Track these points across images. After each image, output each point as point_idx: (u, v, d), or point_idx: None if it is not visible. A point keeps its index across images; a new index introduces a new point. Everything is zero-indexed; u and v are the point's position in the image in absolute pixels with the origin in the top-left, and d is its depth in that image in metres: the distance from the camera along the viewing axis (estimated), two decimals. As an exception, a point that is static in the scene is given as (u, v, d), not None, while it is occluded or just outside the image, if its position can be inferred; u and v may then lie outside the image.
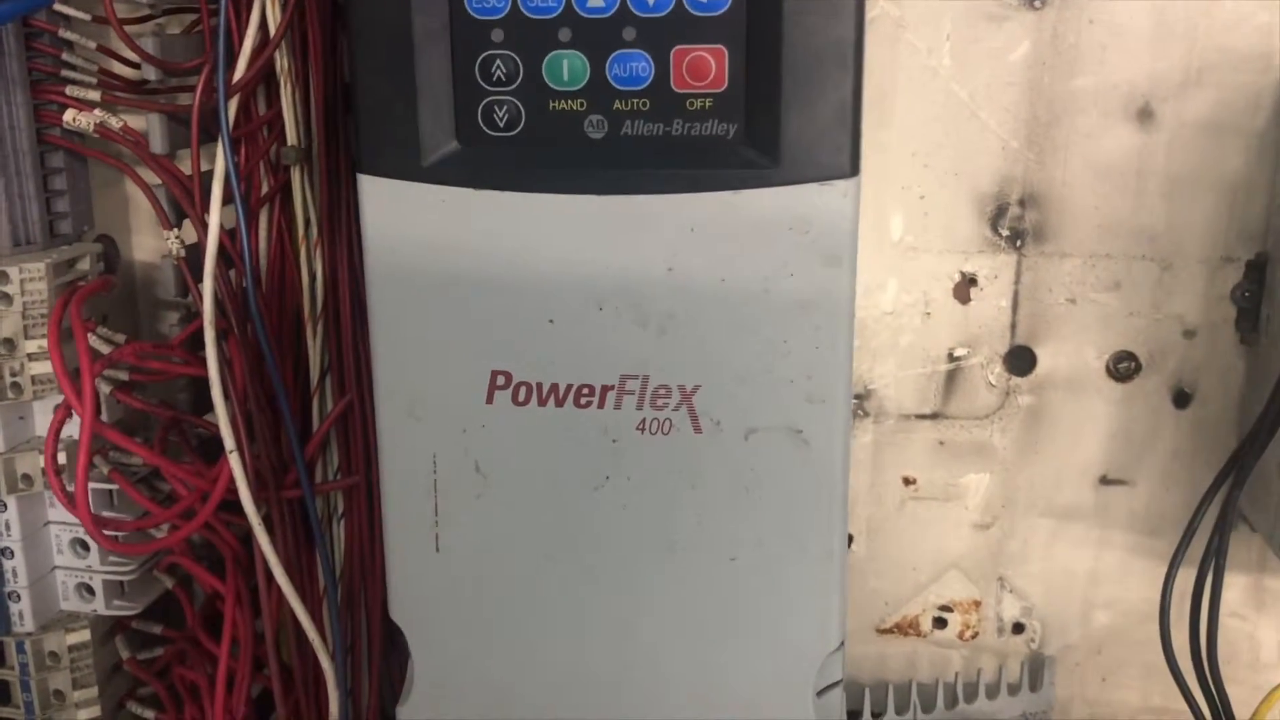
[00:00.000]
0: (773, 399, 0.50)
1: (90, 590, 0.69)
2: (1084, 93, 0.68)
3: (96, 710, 0.70)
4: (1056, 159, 0.69)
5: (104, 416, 0.67)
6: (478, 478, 0.53)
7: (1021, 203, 0.70)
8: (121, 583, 0.69)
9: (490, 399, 0.51)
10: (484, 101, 0.50)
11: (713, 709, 0.54)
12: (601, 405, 0.51)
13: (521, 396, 0.51)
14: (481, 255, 0.50)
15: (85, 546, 0.68)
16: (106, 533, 0.60)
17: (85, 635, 0.69)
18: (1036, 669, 0.77)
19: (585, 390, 0.51)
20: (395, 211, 0.50)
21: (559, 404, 0.51)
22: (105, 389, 0.66)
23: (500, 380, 0.51)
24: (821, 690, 0.54)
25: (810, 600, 0.52)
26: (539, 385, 0.51)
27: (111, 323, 0.69)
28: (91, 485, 0.66)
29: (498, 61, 0.49)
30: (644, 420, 0.51)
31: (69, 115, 0.64)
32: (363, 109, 0.50)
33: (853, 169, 0.48)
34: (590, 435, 0.51)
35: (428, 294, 0.51)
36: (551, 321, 0.50)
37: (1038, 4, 0.66)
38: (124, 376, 0.66)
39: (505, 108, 0.49)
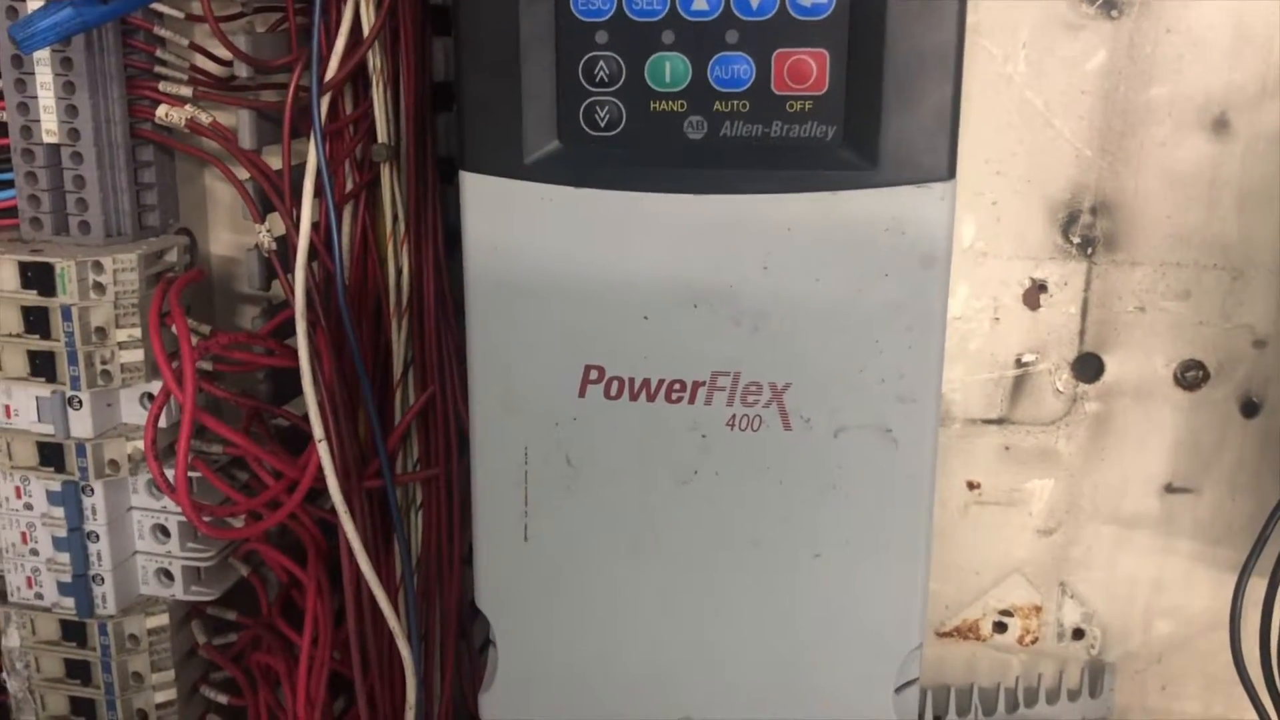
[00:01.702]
0: (863, 398, 0.50)
1: (169, 575, 0.70)
2: (1159, 102, 0.68)
3: (172, 693, 0.71)
4: (1130, 168, 0.69)
5: (188, 405, 0.68)
6: (568, 470, 0.53)
7: (1093, 210, 0.70)
8: (199, 569, 0.70)
9: (583, 393, 0.52)
10: (586, 101, 0.50)
11: (794, 704, 0.55)
12: (692, 401, 0.51)
13: (614, 391, 0.52)
14: (579, 252, 0.51)
15: (165, 532, 0.69)
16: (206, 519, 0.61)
17: (164, 619, 0.70)
18: (1096, 675, 0.77)
19: (677, 386, 0.51)
20: (496, 208, 0.51)
21: (650, 399, 0.52)
22: (191, 379, 0.67)
23: (593, 375, 0.52)
24: (900, 687, 0.55)
25: (893, 598, 0.53)
26: (631, 380, 0.52)
27: (192, 315, 0.70)
28: (171, 472, 0.67)
29: (601, 63, 0.50)
30: (734, 416, 0.52)
31: (161, 110, 0.65)
32: (468, 107, 0.51)
33: (950, 172, 0.49)
34: (680, 430, 0.52)
35: (525, 289, 0.51)
36: (646, 318, 0.51)
37: (1115, 13, 0.67)
38: (208, 367, 0.67)
39: (607, 108, 0.50)
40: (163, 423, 0.65)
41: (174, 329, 0.61)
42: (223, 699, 0.73)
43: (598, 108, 0.50)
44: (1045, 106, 0.69)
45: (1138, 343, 0.72)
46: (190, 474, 0.67)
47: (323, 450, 0.61)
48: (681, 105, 0.50)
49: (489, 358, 0.53)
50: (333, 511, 0.64)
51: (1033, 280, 0.72)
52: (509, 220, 0.51)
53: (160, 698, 0.71)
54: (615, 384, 0.52)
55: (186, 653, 0.73)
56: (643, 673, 0.55)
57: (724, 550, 0.53)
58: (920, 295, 0.49)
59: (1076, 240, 0.71)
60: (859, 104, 0.48)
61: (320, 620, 0.66)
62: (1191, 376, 0.72)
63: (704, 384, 0.51)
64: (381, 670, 0.67)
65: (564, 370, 0.52)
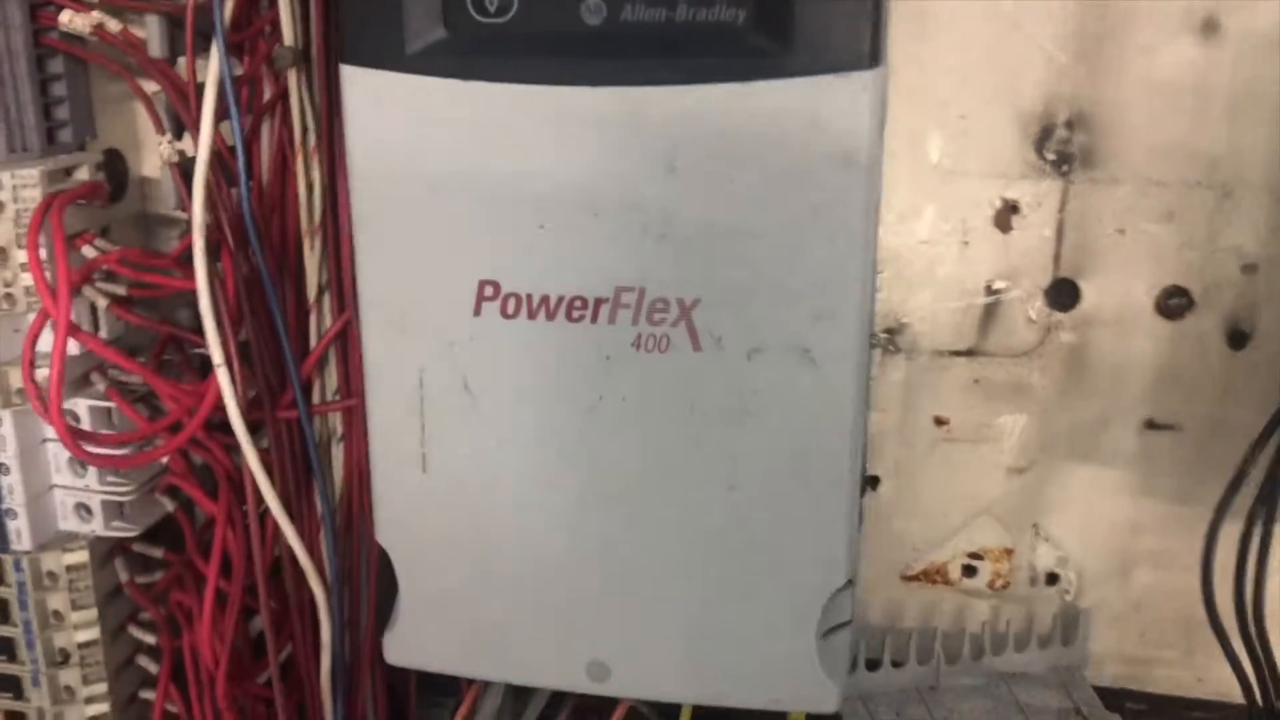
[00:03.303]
0: (778, 315, 0.45)
1: (89, 510, 0.66)
2: (1142, 1, 0.61)
3: (95, 632, 0.67)
4: (1108, 76, 0.63)
5: (103, 331, 0.64)
6: (466, 395, 0.48)
7: (1069, 124, 0.64)
8: (121, 504, 0.66)
9: (478, 311, 0.47)
10: (474, -16, 0.45)
11: (709, 644, 0.50)
12: (595, 319, 0.46)
13: (510, 309, 0.47)
14: (468, 152, 0.45)
15: (84, 465, 0.65)
16: (87, 448, 0.56)
17: (83, 556, 0.66)
18: (1070, 622, 0.71)
19: (578, 303, 0.46)
20: (377, 104, 0.46)
21: (550, 317, 0.46)
22: (102, 303, 0.62)
23: (488, 291, 0.47)
24: (827, 632, 0.49)
25: (815, 534, 0.48)
26: (529, 297, 0.46)
27: (118, 238, 0.66)
28: (89, 403, 0.63)
29: (488, -61, 0.44)
30: (640, 336, 0.46)
31: (64, 16, 0.60)
32: (345, -8, 0.45)
33: (872, 60, 0.43)
34: (583, 352, 0.47)
35: (411, 195, 0.46)
36: (542, 227, 0.46)
37: (1092, -97, 0.60)
38: (122, 291, 0.63)
39: (496, -10, 0.45)
40: (74, 349, 0.61)
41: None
42: (151, 639, 0.69)
43: (486, -9, 0.44)
44: (1015, 8, 0.62)
45: (1117, 268, 0.66)
46: (106, 404, 0.63)
47: (222, 375, 0.56)
48: (578, -13, 0.44)
49: (377, 272, 0.48)
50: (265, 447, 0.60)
51: (1004, 200, 0.66)
52: (392, 118, 0.46)
53: (82, 636, 0.67)
54: (511, 301, 0.47)
55: (111, 590, 0.68)
56: (550, 612, 0.50)
57: (633, 482, 0.48)
58: (841, 200, 0.44)
59: (1051, 157, 0.65)
60: (770, -18, 0.42)
61: (234, 555, 0.62)
62: (1175, 304, 0.65)
63: (607, 301, 0.46)
64: (301, 613, 0.63)
65: (457, 286, 0.47)
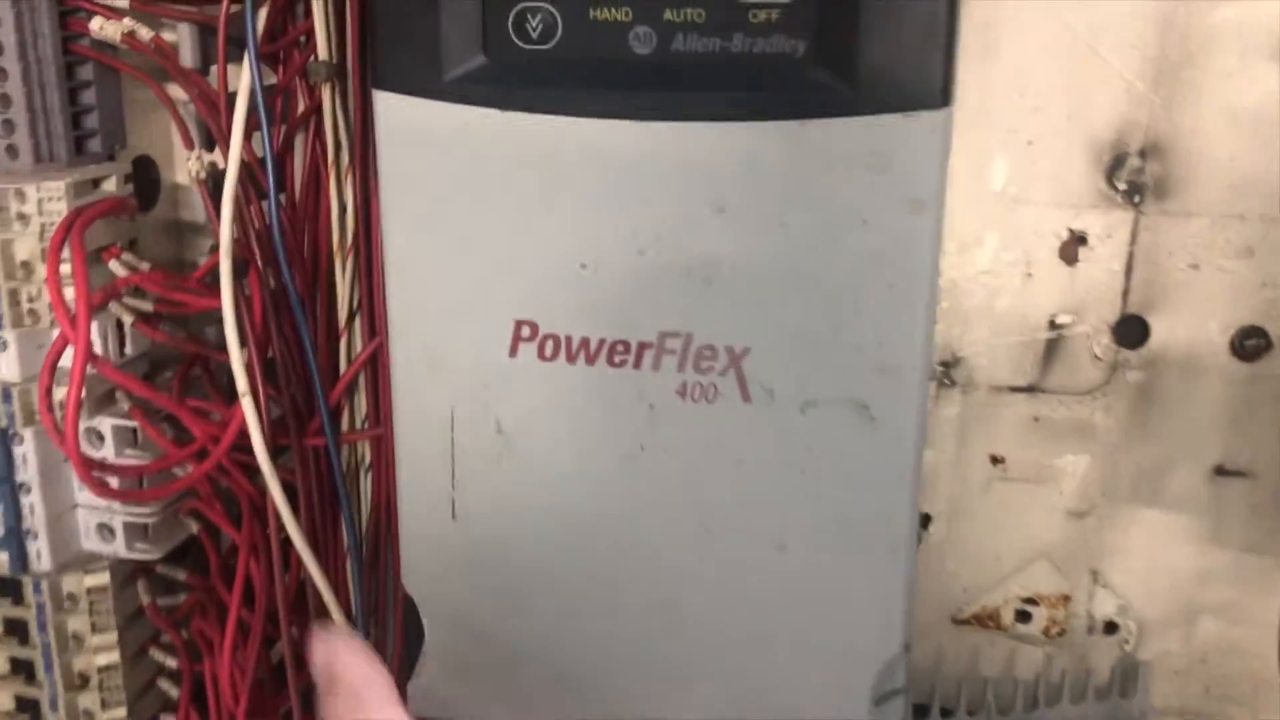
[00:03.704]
0: (836, 367, 0.42)
1: (111, 531, 0.64)
2: (1225, 27, 0.57)
3: (115, 656, 0.65)
4: (1187, 104, 0.59)
5: (128, 349, 0.62)
6: (499, 439, 0.46)
7: (1143, 153, 0.60)
8: (145, 526, 0.64)
9: (514, 352, 0.44)
10: (515, 9, 0.42)
11: (753, 712, 0.47)
12: (638, 365, 0.43)
13: (548, 351, 0.44)
14: (506, 186, 0.42)
15: (105, 485, 0.63)
16: (97, 475, 0.54)
17: (104, 578, 0.64)
18: (1129, 674, 0.68)
19: (620, 347, 0.43)
20: (412, 133, 0.43)
21: (590, 361, 0.44)
22: (128, 320, 0.60)
23: (525, 331, 0.44)
24: (880, 699, 0.46)
25: (870, 598, 0.45)
26: (568, 339, 0.44)
27: (149, 247, 0.64)
28: (112, 421, 0.61)
29: (532, -39, 0.41)
30: (685, 384, 0.43)
31: (95, 23, 0.58)
32: (379, 15, 0.43)
33: (944, 98, 0.39)
34: (624, 399, 0.44)
35: (446, 228, 0.43)
36: (584, 266, 0.43)
37: (1175, -79, 0.56)
38: (148, 307, 0.61)
39: (539, 16, 0.42)
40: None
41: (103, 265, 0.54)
42: (172, 662, 0.67)
43: (529, 15, 0.42)
44: (1089, 31, 0.59)
45: (1190, 305, 0.62)
46: (126, 423, 0.61)
47: (247, 405, 0.54)
48: (627, 14, 0.41)
49: (409, 305, 0.45)
50: (290, 470, 0.58)
51: (1071, 231, 0.62)
52: (427, 148, 0.43)
53: (102, 660, 0.65)
54: (550, 343, 0.44)
55: (133, 613, 0.67)
56: (583, 670, 0.48)
57: (674, 537, 0.45)
58: (905, 246, 0.40)
59: (1123, 186, 0.61)
60: (834, 13, 0.39)
61: (257, 584, 0.59)
62: (1251, 345, 0.62)
63: (651, 346, 0.43)
64: (324, 645, 0.60)
65: (493, 325, 0.44)
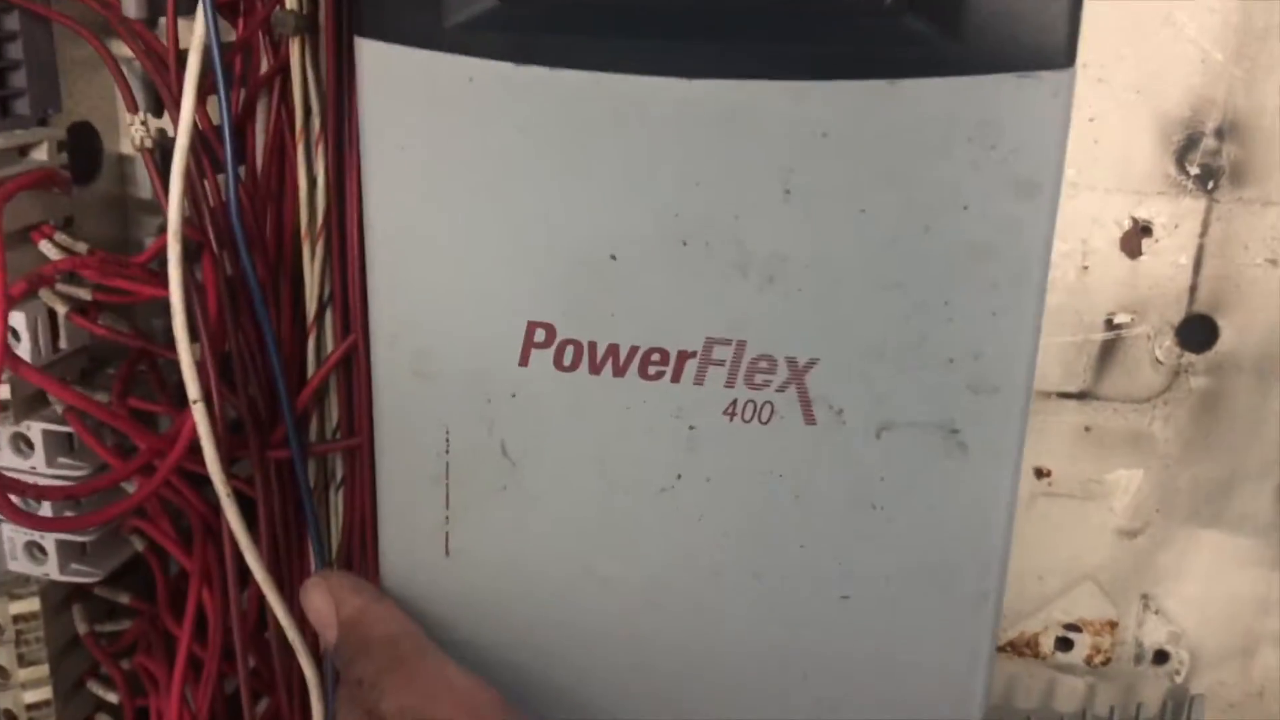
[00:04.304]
0: (921, 385, 0.34)
1: (42, 550, 0.55)
2: (1322, -8, 0.50)
3: (47, 691, 0.57)
4: (1270, 79, 0.52)
5: (62, 344, 0.53)
6: (504, 463, 0.37)
7: (1219, 133, 0.53)
8: (82, 544, 0.55)
9: (525, 360, 0.36)
10: (534, -62, 0.33)
11: None
12: (677, 379, 0.35)
13: (567, 359, 0.36)
14: (521, 158, 0.34)
15: (38, 499, 0.54)
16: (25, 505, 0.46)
17: (34, 604, 0.56)
18: (1179, 707, 0.61)
19: (655, 356, 0.35)
20: (405, 91, 0.35)
21: (618, 373, 0.36)
22: (61, 310, 0.52)
23: (539, 336, 0.36)
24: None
25: (946, 659, 0.37)
26: (592, 346, 0.36)
27: (88, 227, 0.55)
28: (44, 427, 0.52)
29: (556, -124, 0.33)
30: (735, 403, 0.35)
31: (21, -35, 0.49)
32: (364, -56, 0.34)
33: (1068, 57, 0.32)
34: (659, 418, 0.36)
35: (445, 208, 0.35)
36: (614, 258, 0.35)
37: None
38: (86, 295, 0.52)
39: (564, -53, 0.33)
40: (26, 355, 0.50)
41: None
42: (113, 697, 0.58)
43: (551, -53, 0.33)
44: (1167, -6, 0.51)
45: (1263, 304, 0.56)
46: (59, 428, 0.52)
47: (198, 413, 0.45)
48: (673, -54, 0.33)
49: (396, 302, 0.37)
50: (249, 481, 0.50)
51: (1135, 220, 0.55)
52: (423, 110, 0.35)
53: (31, 697, 0.57)
54: (570, 350, 0.36)
55: (68, 642, 0.58)
56: (601, 731, 0.40)
57: (716, 584, 0.37)
58: (1015, 237, 0.33)
59: (1195, 171, 0.54)
60: (936, -53, 0.31)
61: (210, 615, 0.51)
62: (1330, 349, 0.55)
63: (694, 355, 0.35)
64: (289, 688, 0.52)
65: (500, 327, 0.36)
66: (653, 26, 0.33)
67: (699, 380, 0.35)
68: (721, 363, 0.35)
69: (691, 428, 0.36)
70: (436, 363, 0.37)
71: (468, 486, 0.38)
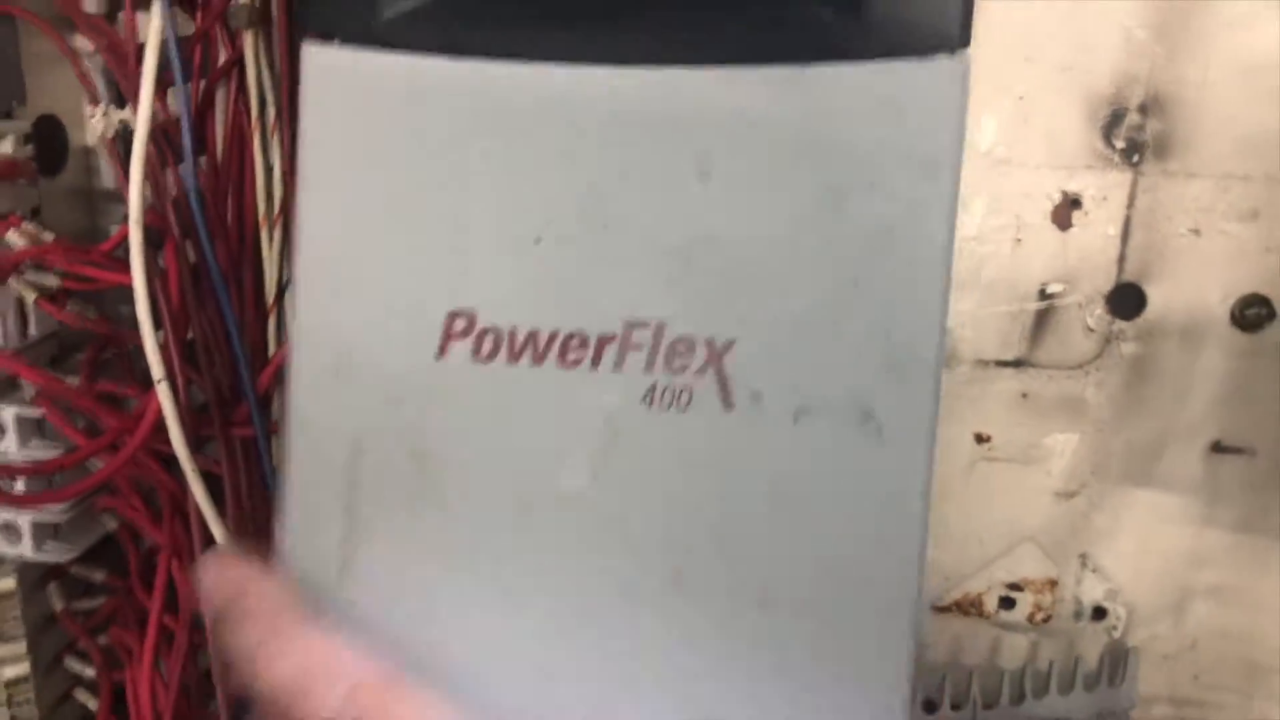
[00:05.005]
0: (836, 364, 0.35)
1: (16, 531, 0.56)
2: (1236, -28, 0.51)
3: (25, 667, 0.58)
4: (1191, 55, 0.54)
5: (31, 330, 0.54)
6: (412, 468, 0.36)
7: (1143, 108, 0.55)
8: (55, 525, 0.57)
9: (443, 351, 0.36)
10: (463, -66, 0.34)
11: None
12: (596, 364, 0.35)
13: (486, 348, 0.35)
14: (450, 149, 0.35)
15: (10, 480, 0.55)
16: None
17: (10, 583, 0.57)
18: (1117, 661, 0.63)
19: (575, 342, 0.35)
20: (341, 90, 0.36)
21: (536, 360, 0.35)
22: (30, 297, 0.53)
23: (459, 325, 0.35)
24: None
25: (869, 664, 0.36)
26: (511, 333, 0.35)
27: (54, 217, 0.56)
28: (15, 410, 0.54)
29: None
30: (655, 387, 0.35)
31: (-19, -39, 0.50)
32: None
33: (963, 39, 0.33)
34: (577, 408, 0.35)
35: (374, 202, 0.36)
36: (538, 241, 0.36)
37: None
38: (53, 283, 0.53)
39: (492, -56, 0.34)
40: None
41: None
42: (90, 672, 0.60)
43: (480, -57, 0.34)
44: (1090, -26, 0.53)
45: (1189, 272, 0.57)
46: (30, 411, 0.54)
47: (162, 392, 0.46)
48: (595, -58, 0.34)
49: (318, 301, 0.36)
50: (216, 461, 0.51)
51: (1064, 194, 0.57)
52: (357, 107, 0.36)
53: (10, 672, 0.58)
54: (489, 339, 0.35)
55: (45, 618, 0.59)
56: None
57: (633, 589, 0.36)
58: (921, 216, 0.34)
59: (1121, 145, 0.55)
60: (839, -61, 0.32)
61: (181, 588, 0.53)
62: (1253, 315, 0.56)
63: (613, 339, 0.35)
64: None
65: (419, 319, 0.35)
66: (579, 16, 0.34)
67: (619, 365, 0.35)
68: (640, 346, 0.35)
69: (611, 417, 0.35)
70: (352, 362, 0.36)
71: (374, 497, 0.36)
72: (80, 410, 0.53)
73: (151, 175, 0.49)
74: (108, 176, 0.59)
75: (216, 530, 0.49)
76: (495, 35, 0.35)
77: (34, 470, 0.51)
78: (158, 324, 0.49)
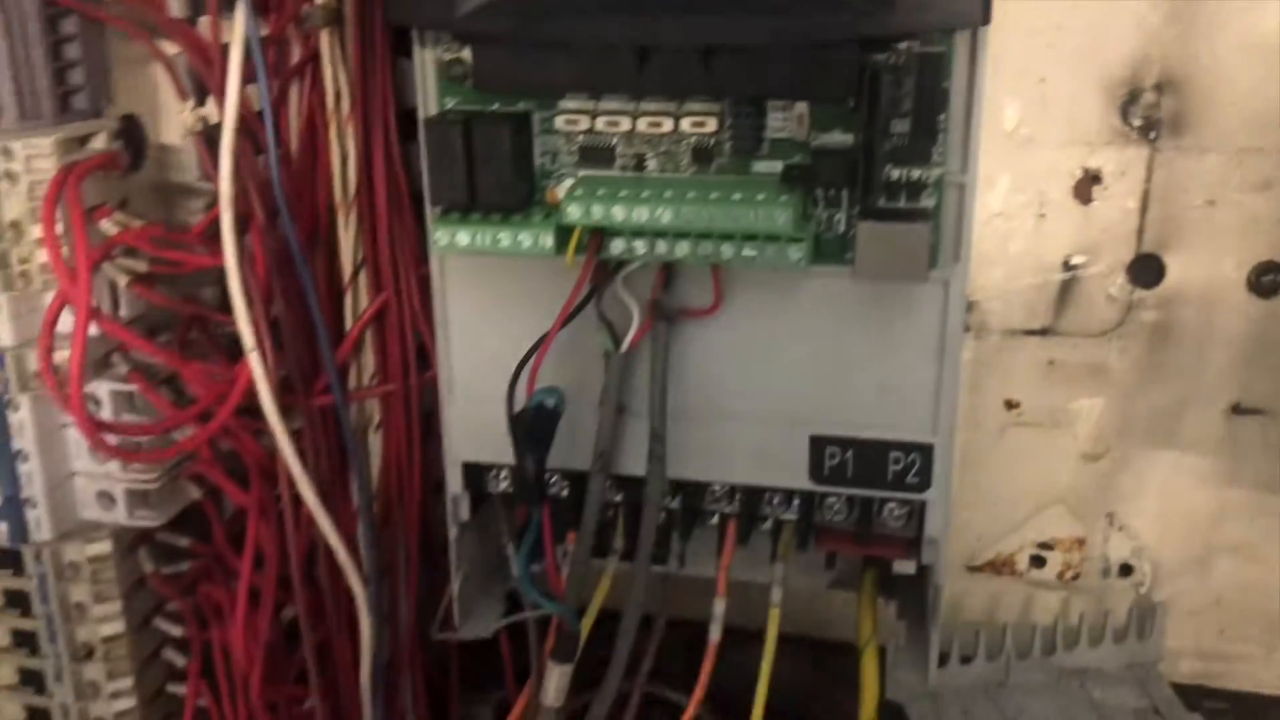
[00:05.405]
0: None
1: (111, 499, 0.60)
2: (1243, -43, 0.55)
3: (120, 625, 0.62)
4: (1203, 36, 0.57)
5: (123, 310, 0.58)
6: None
7: (1158, 88, 0.58)
8: (146, 492, 0.61)
9: None
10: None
11: None
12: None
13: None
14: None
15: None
16: (109, 439, 0.51)
17: (106, 546, 0.61)
18: (1144, 615, 0.65)
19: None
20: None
21: None
22: (122, 280, 0.57)
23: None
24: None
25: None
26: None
27: (136, 210, 0.60)
28: (110, 386, 0.58)
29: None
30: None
31: (79, -27, 0.55)
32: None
33: (985, 16, 0.36)
34: None
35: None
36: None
37: None
38: (143, 267, 0.57)
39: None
40: (94, 329, 0.55)
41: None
42: (178, 631, 0.64)
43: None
44: (1105, -39, 0.56)
45: (1206, 242, 0.60)
46: (124, 386, 0.58)
47: (254, 360, 0.51)
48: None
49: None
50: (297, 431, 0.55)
51: (1085, 170, 0.60)
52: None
53: (107, 630, 0.62)
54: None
55: (135, 581, 0.63)
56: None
57: None
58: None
59: (1137, 123, 0.59)
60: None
61: (267, 547, 0.57)
62: (1268, 281, 0.60)
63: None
64: (338, 609, 0.58)
65: None
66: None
67: None
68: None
69: None
70: None
71: None
72: (170, 384, 0.57)
73: (236, 163, 0.53)
74: (184, 171, 0.63)
75: (305, 491, 0.53)
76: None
77: (137, 432, 0.54)
78: (247, 302, 0.53)
